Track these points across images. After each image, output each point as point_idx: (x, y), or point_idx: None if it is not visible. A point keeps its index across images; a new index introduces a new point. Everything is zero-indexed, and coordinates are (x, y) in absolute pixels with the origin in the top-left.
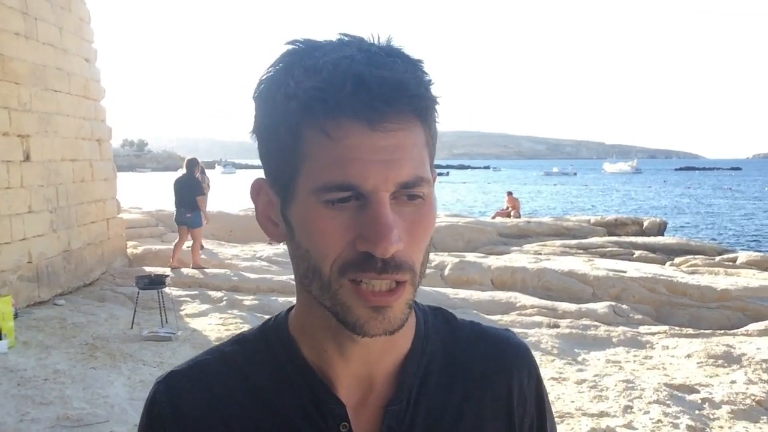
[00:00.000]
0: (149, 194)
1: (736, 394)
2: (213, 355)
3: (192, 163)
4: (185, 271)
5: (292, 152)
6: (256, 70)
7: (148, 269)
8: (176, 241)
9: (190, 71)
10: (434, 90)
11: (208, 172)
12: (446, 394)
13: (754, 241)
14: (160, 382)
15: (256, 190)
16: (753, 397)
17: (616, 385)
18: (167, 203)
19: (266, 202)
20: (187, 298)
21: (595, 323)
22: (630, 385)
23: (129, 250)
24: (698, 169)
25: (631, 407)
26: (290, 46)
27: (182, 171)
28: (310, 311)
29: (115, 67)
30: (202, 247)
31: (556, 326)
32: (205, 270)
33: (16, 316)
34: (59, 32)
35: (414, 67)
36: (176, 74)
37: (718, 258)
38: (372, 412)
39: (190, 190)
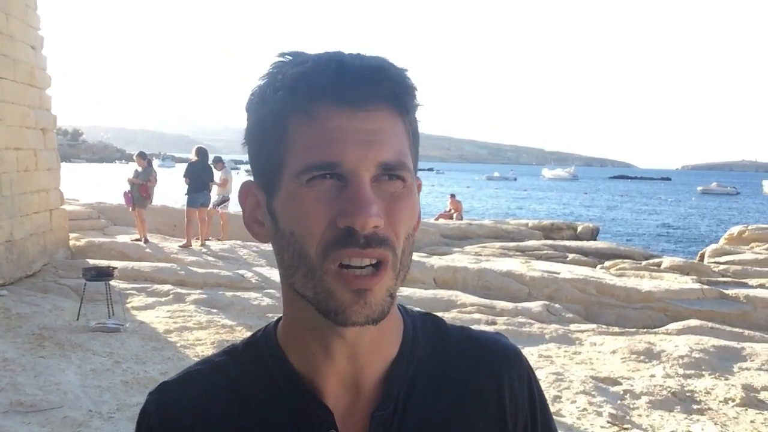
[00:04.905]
0: (86, 186)
1: (655, 386)
2: (203, 366)
3: (203, 152)
4: (131, 264)
5: (278, 141)
6: (200, 64)
7: (92, 262)
8: (191, 223)
9: (129, 60)
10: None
11: None
12: (435, 400)
13: (678, 247)
14: (152, 393)
15: (244, 193)
16: (669, 389)
17: (546, 377)
18: (106, 195)
19: (253, 203)
20: (133, 291)
21: (530, 321)
22: (560, 377)
23: (71, 242)
24: (631, 178)
25: (560, 397)
26: (280, 58)
27: (193, 158)
28: (295, 312)
29: (50, 50)
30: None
31: (494, 323)
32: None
33: None
34: (5, 18)
35: (394, 64)
36: (114, 62)
37: (644, 262)
38: (360, 418)
39: (210, 175)
